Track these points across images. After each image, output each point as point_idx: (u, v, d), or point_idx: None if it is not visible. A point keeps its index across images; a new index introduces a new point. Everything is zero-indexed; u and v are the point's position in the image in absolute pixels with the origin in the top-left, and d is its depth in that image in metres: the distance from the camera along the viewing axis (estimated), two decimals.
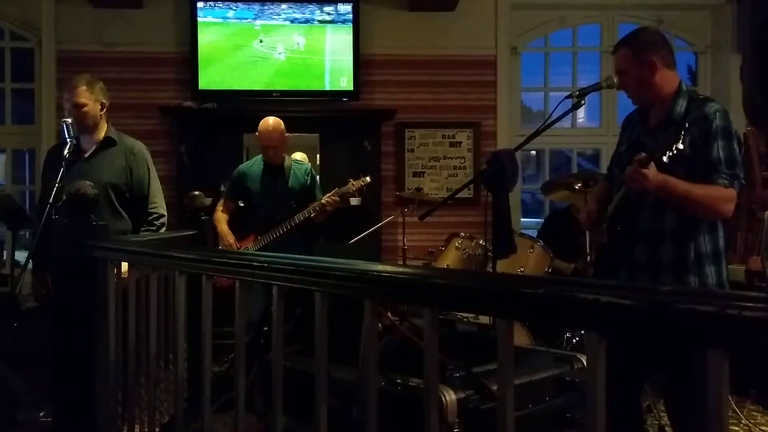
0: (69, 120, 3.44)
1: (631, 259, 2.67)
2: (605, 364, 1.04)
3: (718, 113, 2.53)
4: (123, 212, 3.57)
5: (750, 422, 3.93)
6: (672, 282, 2.59)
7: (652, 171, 2.40)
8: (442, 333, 1.36)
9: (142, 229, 3.61)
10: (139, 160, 3.66)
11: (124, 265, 2.72)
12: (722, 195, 2.50)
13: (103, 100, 3.62)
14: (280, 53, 6.22)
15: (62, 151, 3.37)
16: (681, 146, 2.36)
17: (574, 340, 4.16)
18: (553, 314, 1.07)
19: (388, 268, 1.44)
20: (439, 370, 1.44)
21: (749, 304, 0.81)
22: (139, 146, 3.73)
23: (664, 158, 2.37)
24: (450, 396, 1.99)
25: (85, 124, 3.52)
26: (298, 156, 5.38)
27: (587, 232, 4.06)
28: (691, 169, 2.51)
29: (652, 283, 2.60)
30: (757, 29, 4.54)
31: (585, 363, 2.40)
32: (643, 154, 2.40)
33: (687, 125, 2.53)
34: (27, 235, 5.51)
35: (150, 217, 3.64)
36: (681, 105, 2.62)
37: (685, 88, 2.67)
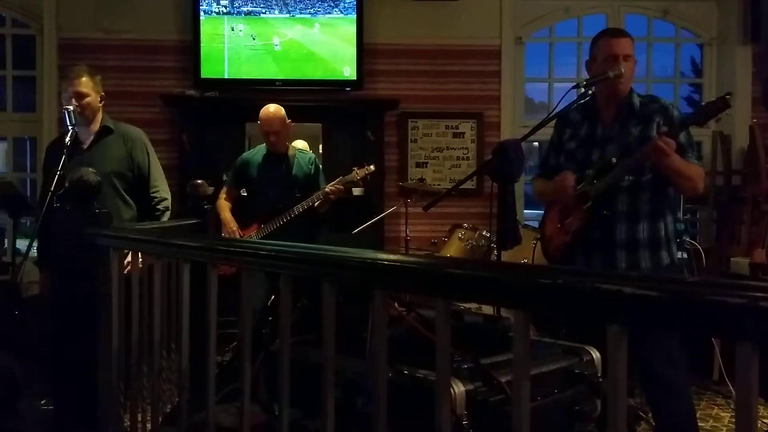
0: (71, 107, 3.43)
1: (610, 240, 2.92)
2: (626, 358, 1.02)
3: (672, 105, 2.96)
4: (129, 199, 3.59)
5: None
6: (648, 259, 2.91)
7: (672, 142, 2.71)
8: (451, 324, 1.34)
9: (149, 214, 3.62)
10: (138, 146, 3.67)
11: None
12: (700, 173, 2.88)
13: (102, 93, 3.63)
14: (277, 44, 6.18)
15: (62, 142, 3.36)
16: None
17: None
18: (573, 306, 1.04)
19: (400, 257, 1.41)
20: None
21: None
22: (137, 132, 3.74)
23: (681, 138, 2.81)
24: (458, 388, 1.97)
25: (84, 115, 3.52)
26: (299, 144, 5.36)
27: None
28: None
29: (630, 261, 2.91)
30: None
31: (594, 355, 2.39)
32: (666, 129, 2.76)
33: (650, 116, 2.92)
34: (28, 223, 5.48)
35: (152, 201, 3.65)
36: (637, 99, 2.99)
37: None
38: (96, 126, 3.63)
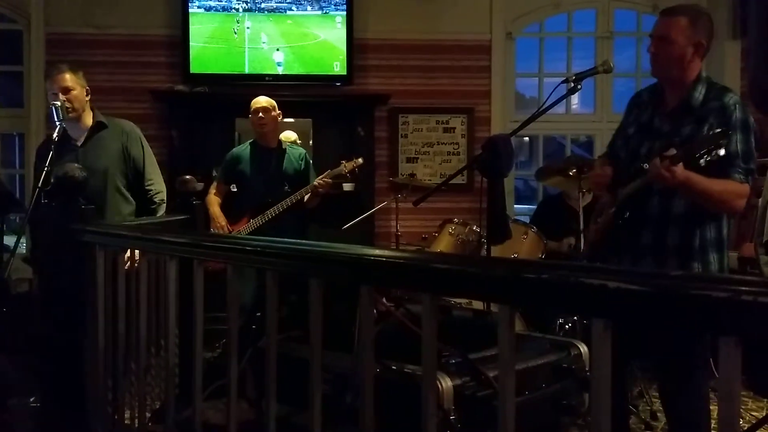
0: (58, 103, 3.40)
1: (636, 244, 2.68)
2: (610, 353, 1.01)
3: (737, 105, 2.52)
4: (128, 195, 3.58)
5: (741, 408, 3.93)
6: (677, 268, 2.59)
7: (679, 168, 2.39)
8: (438, 319, 1.33)
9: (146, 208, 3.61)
10: (133, 140, 3.65)
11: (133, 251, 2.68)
12: (737, 191, 2.49)
13: (87, 87, 3.60)
14: (265, 41, 6.15)
15: (51, 138, 3.33)
16: (722, 152, 2.35)
17: (566, 326, 4.14)
18: (557, 301, 1.03)
19: (386, 252, 1.40)
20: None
21: (765, 290, 0.78)
22: (130, 126, 3.73)
23: (701, 161, 2.36)
24: (446, 383, 1.97)
25: (72, 110, 3.49)
26: (289, 135, 5.35)
27: (581, 217, 4.06)
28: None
29: (658, 268, 2.60)
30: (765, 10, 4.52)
31: (582, 349, 2.39)
32: (674, 151, 2.39)
33: (706, 116, 2.54)
34: (17, 219, 5.45)
35: (148, 195, 3.64)
36: (700, 92, 2.61)
37: (704, 75, 2.65)
38: (88, 121, 3.60)
